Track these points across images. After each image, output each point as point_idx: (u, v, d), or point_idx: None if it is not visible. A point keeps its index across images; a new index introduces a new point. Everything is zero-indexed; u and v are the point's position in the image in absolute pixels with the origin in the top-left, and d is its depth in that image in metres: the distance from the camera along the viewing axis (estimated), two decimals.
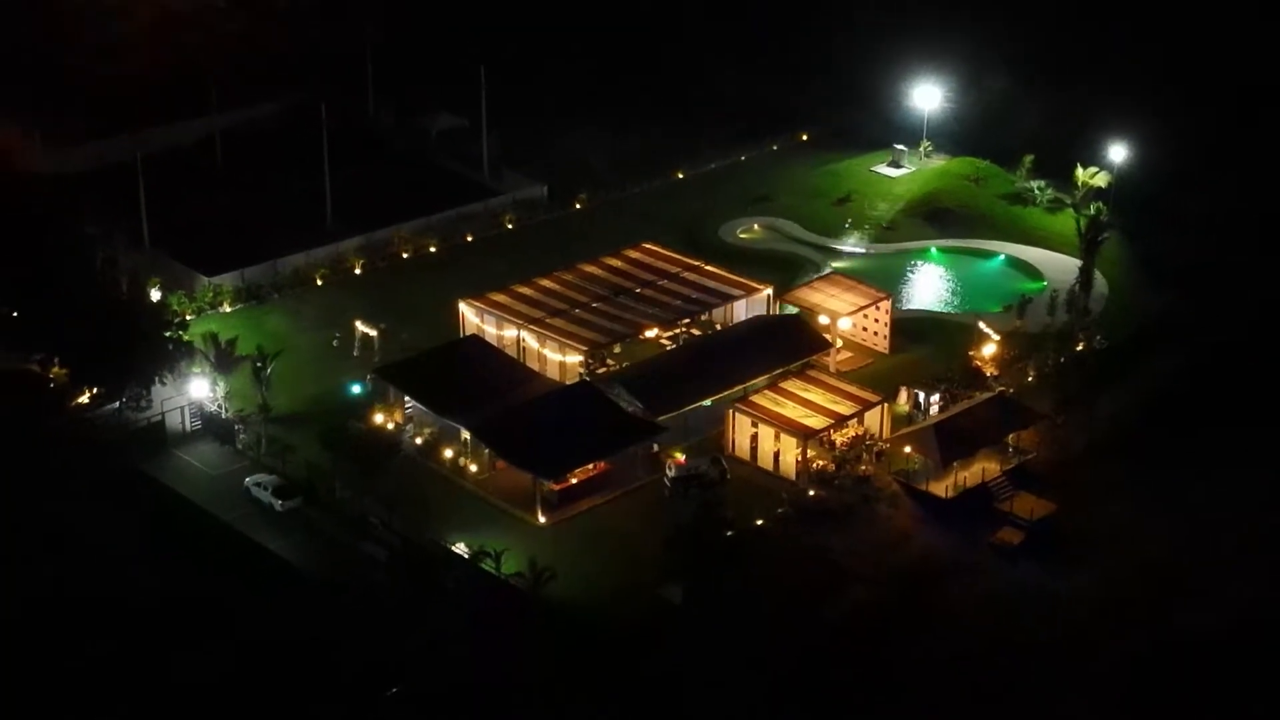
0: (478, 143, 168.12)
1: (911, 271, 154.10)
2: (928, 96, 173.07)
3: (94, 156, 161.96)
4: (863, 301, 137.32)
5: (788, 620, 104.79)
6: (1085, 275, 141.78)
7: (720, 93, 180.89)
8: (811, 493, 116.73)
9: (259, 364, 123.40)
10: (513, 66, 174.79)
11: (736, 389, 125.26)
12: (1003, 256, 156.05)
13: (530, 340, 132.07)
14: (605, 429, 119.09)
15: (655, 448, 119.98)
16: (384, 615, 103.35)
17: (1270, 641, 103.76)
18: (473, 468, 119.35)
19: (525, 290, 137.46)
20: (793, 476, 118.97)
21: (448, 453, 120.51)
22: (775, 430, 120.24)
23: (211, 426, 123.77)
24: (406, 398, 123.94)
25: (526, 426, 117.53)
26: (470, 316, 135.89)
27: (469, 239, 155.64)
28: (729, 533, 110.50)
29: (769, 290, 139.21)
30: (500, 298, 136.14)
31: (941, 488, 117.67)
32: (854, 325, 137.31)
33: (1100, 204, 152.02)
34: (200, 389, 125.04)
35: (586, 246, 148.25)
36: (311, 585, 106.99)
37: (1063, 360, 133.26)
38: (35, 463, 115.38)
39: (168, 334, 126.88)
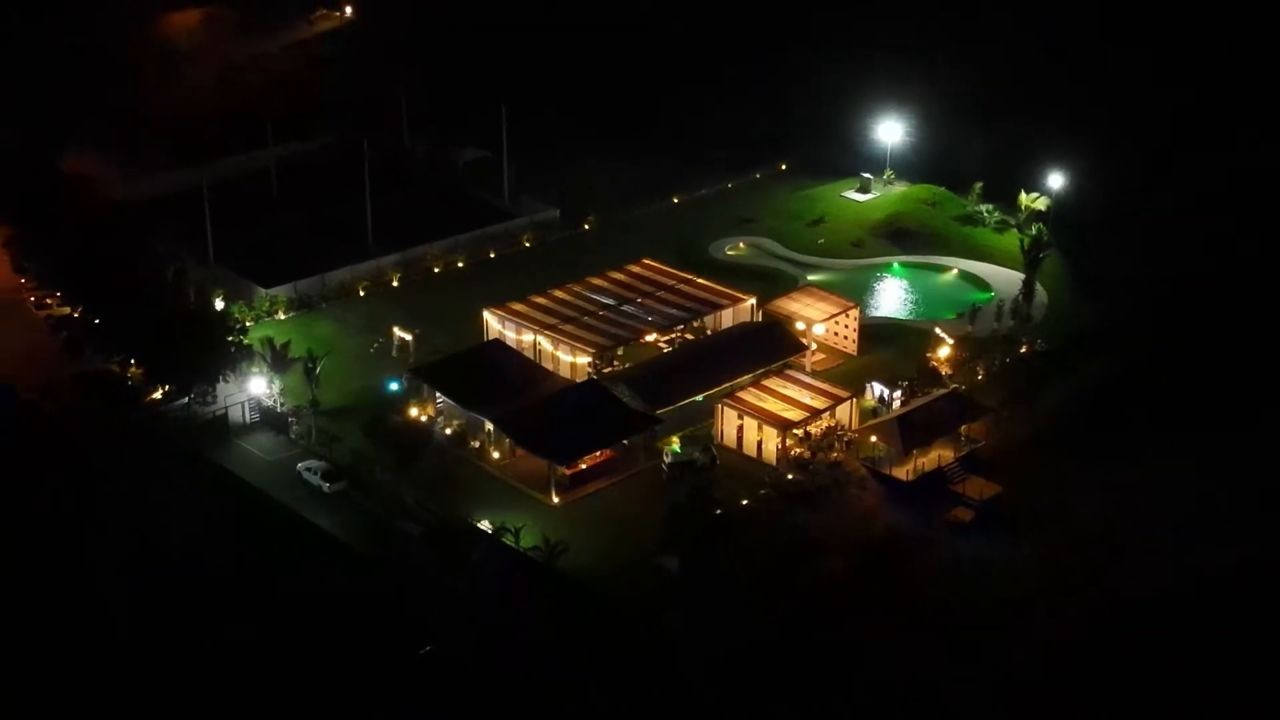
0: (499, 172, 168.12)
1: (877, 284, 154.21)
2: (890, 131, 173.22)
3: (166, 185, 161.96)
4: (834, 310, 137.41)
5: (770, 586, 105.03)
6: (1028, 287, 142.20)
7: (711, 128, 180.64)
8: (790, 477, 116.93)
9: (309, 364, 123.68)
10: (531, 105, 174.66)
11: (725, 386, 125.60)
12: (956, 270, 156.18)
13: (545, 344, 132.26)
14: (611, 421, 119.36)
15: (626, 443, 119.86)
16: (418, 583, 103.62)
17: (1189, 601, 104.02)
18: (495, 455, 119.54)
19: (541, 300, 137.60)
20: (774, 462, 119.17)
21: (474, 442, 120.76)
22: (758, 422, 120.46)
23: (268, 419, 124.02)
24: (438, 394, 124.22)
25: (542, 419, 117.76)
26: (493, 323, 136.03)
27: (492, 256, 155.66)
28: (718, 511, 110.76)
29: (752, 300, 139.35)
30: (519, 306, 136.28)
31: (903, 472, 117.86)
32: (827, 331, 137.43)
33: (1041, 225, 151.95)
34: (258, 386, 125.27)
35: (594, 262, 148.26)
36: (355, 556, 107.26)
37: (1008, 361, 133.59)
38: (116, 450, 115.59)
39: (230, 339, 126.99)
